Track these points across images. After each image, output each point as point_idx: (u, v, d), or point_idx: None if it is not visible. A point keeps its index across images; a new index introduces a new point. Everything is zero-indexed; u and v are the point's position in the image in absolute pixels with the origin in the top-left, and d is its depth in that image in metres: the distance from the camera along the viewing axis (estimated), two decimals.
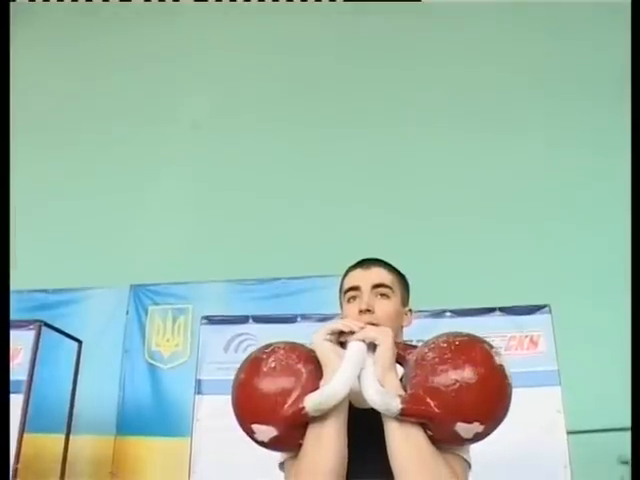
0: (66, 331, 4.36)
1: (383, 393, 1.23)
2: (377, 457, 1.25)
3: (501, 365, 1.24)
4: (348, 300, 1.46)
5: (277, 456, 1.39)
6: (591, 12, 5.28)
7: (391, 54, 5.86)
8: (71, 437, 4.31)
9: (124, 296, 5.04)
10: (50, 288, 5.15)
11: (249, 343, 3.68)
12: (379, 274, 1.47)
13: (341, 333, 1.33)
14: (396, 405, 1.21)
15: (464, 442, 1.24)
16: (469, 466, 1.32)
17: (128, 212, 5.77)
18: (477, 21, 5.72)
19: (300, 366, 1.29)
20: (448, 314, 3.61)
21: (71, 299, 5.08)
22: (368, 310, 1.40)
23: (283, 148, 5.73)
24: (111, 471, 4.57)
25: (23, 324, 3.89)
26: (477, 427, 1.20)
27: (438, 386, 1.20)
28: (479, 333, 1.32)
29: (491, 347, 1.27)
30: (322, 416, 1.25)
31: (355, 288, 1.45)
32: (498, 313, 3.58)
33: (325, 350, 1.31)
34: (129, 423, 4.70)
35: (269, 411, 1.25)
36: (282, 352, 1.31)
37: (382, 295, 1.44)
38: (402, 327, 1.48)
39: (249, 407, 1.29)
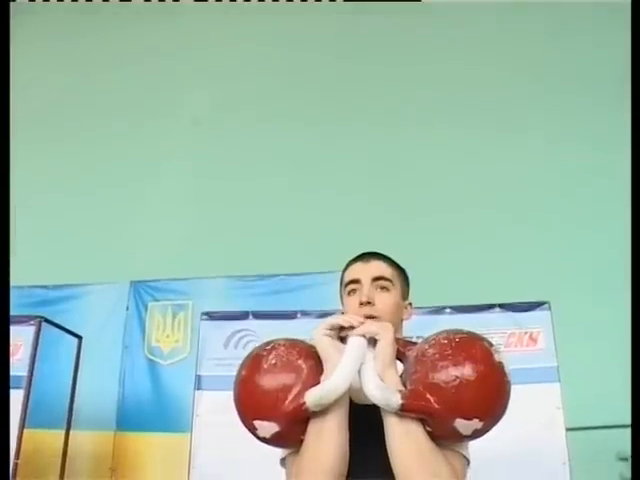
0: (66, 327, 4.36)
1: (383, 388, 1.24)
2: (377, 453, 1.26)
3: (500, 362, 1.24)
4: (348, 293, 1.47)
5: (277, 452, 1.39)
6: (591, 11, 5.27)
7: (391, 53, 5.86)
8: (71, 433, 4.31)
9: (124, 292, 5.04)
10: (50, 284, 5.15)
11: (249, 339, 3.68)
12: (379, 267, 1.48)
13: (341, 328, 1.34)
14: (396, 400, 1.22)
15: (463, 438, 1.25)
16: (468, 462, 1.32)
17: (128, 208, 5.78)
18: (477, 21, 5.73)
19: (301, 362, 1.30)
20: (448, 311, 3.61)
21: (71, 295, 5.08)
22: (368, 302, 1.41)
23: (283, 145, 5.73)
24: (111, 467, 4.57)
25: (23, 320, 3.89)
26: (476, 424, 1.21)
27: (438, 382, 1.21)
28: (479, 330, 1.33)
29: (491, 345, 1.28)
30: (323, 411, 1.26)
31: (355, 281, 1.46)
32: (498, 310, 3.58)
33: (325, 345, 1.32)
34: (129, 419, 4.70)
35: (270, 407, 1.26)
36: (283, 348, 1.32)
37: (382, 288, 1.45)
38: (402, 321, 1.49)
39: (251, 403, 1.30)
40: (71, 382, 4.34)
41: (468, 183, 5.25)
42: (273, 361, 1.29)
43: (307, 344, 1.36)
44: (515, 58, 5.56)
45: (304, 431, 1.27)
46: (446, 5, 5.72)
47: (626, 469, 4.08)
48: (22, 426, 3.65)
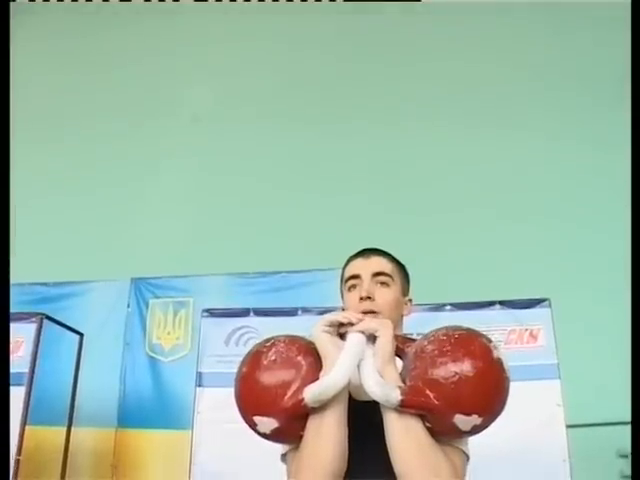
0: (67, 324, 4.37)
1: (383, 384, 1.24)
2: (377, 449, 1.26)
3: (499, 359, 1.25)
4: (349, 289, 1.48)
5: (278, 448, 1.40)
6: (591, 11, 5.27)
7: (391, 53, 5.86)
8: (72, 429, 4.33)
9: (125, 289, 5.06)
10: (51, 281, 5.16)
11: (250, 336, 3.69)
12: (379, 263, 1.48)
13: (341, 325, 1.34)
14: (396, 396, 1.22)
15: (462, 434, 1.25)
16: (468, 458, 1.33)
17: (129, 205, 5.78)
18: (477, 21, 5.72)
19: (300, 358, 1.30)
20: (448, 307, 3.62)
21: (72, 292, 5.10)
22: (368, 297, 1.41)
23: (283, 143, 5.73)
24: (112, 463, 4.59)
25: (25, 317, 3.90)
26: (475, 419, 1.21)
27: (437, 378, 1.21)
28: (479, 327, 1.33)
29: (490, 341, 1.28)
30: (322, 407, 1.26)
31: (355, 276, 1.47)
32: (498, 307, 3.59)
33: (324, 342, 1.32)
34: (130, 416, 4.71)
35: (270, 403, 1.27)
36: (282, 345, 1.33)
37: (382, 283, 1.45)
38: (402, 317, 1.49)
39: (251, 400, 1.30)
40: (72, 379, 4.36)
41: (468, 181, 5.25)
42: (273, 357, 1.30)
43: (306, 341, 1.36)
44: (515, 58, 5.56)
45: (303, 427, 1.28)
46: (446, 5, 5.71)
47: (626, 466, 4.09)
48: (24, 423, 3.67)
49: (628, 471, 4.04)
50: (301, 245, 5.16)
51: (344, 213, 5.29)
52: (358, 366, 1.28)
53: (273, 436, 1.30)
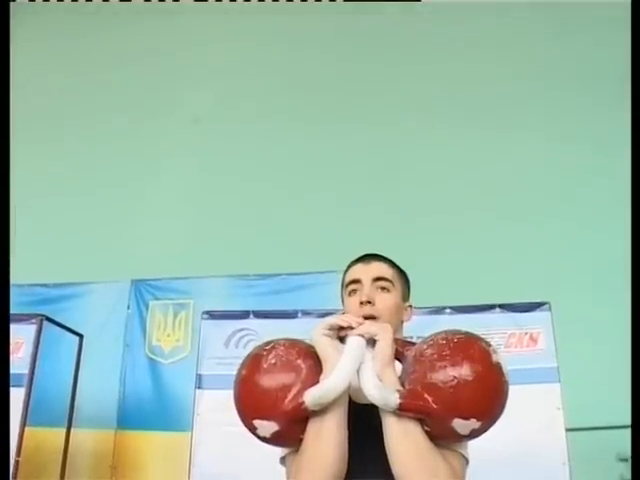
0: (67, 325, 4.37)
1: (381, 388, 1.24)
2: (376, 452, 1.26)
3: (498, 363, 1.25)
4: (349, 293, 1.48)
5: (277, 451, 1.40)
6: (591, 11, 5.27)
7: (391, 53, 5.86)
8: (72, 431, 4.32)
9: (125, 291, 5.06)
10: (51, 282, 5.16)
11: (250, 338, 3.68)
12: (380, 268, 1.49)
13: (341, 328, 1.34)
14: (394, 400, 1.22)
15: (461, 438, 1.26)
16: (467, 462, 1.33)
17: (129, 207, 5.78)
18: (477, 21, 5.72)
19: (300, 362, 1.30)
20: (448, 311, 3.61)
21: (72, 293, 5.09)
22: (369, 302, 1.42)
23: (283, 143, 5.74)
24: (112, 465, 4.58)
25: (24, 318, 3.90)
26: (474, 423, 1.21)
27: (436, 382, 1.22)
28: (479, 330, 1.33)
29: (489, 345, 1.28)
30: (322, 410, 1.26)
31: (356, 281, 1.47)
32: (498, 310, 3.58)
33: (324, 345, 1.33)
34: (130, 417, 4.71)
35: (270, 407, 1.27)
36: (282, 348, 1.33)
37: (382, 289, 1.46)
38: (402, 322, 1.49)
39: (250, 403, 1.31)
40: (72, 380, 4.35)
41: (468, 183, 5.25)
42: (273, 361, 1.30)
43: (306, 344, 1.36)
44: (515, 58, 5.56)
45: (303, 430, 1.28)
46: (446, 5, 5.72)
47: (626, 470, 4.09)
48: (23, 424, 3.66)
49: (628, 475, 4.03)
50: (301, 247, 5.16)
51: (344, 215, 5.29)
52: (357, 370, 1.28)
53: (273, 439, 1.30)
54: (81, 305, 5.00)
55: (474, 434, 1.23)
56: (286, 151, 5.73)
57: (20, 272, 3.11)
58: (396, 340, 1.34)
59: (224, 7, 6.12)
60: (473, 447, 1.34)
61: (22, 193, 4.22)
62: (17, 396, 3.46)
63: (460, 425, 1.21)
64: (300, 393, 1.25)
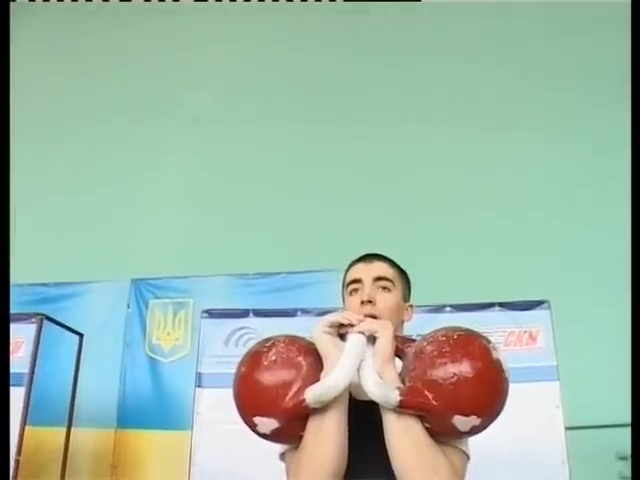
0: (67, 324, 4.37)
1: (382, 385, 1.25)
2: (376, 449, 1.26)
3: (498, 360, 1.25)
4: (350, 293, 1.48)
5: (277, 448, 1.40)
6: (591, 11, 5.27)
7: (391, 53, 5.86)
8: (72, 430, 4.32)
9: (125, 290, 5.06)
10: (51, 282, 5.16)
11: (249, 337, 3.69)
12: (381, 267, 1.49)
13: (341, 326, 1.35)
14: (394, 397, 1.22)
15: (461, 435, 1.26)
16: (468, 458, 1.33)
17: (129, 206, 5.79)
18: (477, 21, 5.72)
19: (300, 359, 1.31)
20: (448, 309, 3.62)
21: (72, 293, 5.09)
22: (369, 302, 1.42)
23: (283, 143, 5.74)
24: (112, 464, 4.59)
25: (25, 317, 3.90)
26: (474, 420, 1.22)
27: (436, 379, 1.22)
28: (478, 328, 1.33)
29: (489, 342, 1.28)
30: (323, 408, 1.26)
31: (357, 281, 1.47)
32: (497, 308, 3.59)
33: (325, 343, 1.33)
34: (130, 416, 4.71)
35: (270, 403, 1.27)
36: (282, 345, 1.33)
37: (383, 288, 1.46)
38: (403, 322, 1.49)
39: (250, 400, 1.31)
40: (72, 380, 4.35)
41: (468, 182, 5.25)
42: (273, 358, 1.30)
43: (307, 341, 1.37)
44: (515, 58, 5.56)
45: (304, 427, 1.28)
46: (446, 5, 5.71)
47: (625, 468, 4.09)
48: (23, 423, 3.66)
49: (627, 473, 4.04)
50: (301, 246, 5.16)
51: (344, 214, 5.29)
52: (358, 367, 1.28)
53: (273, 436, 1.30)
54: (81, 304, 5.00)
55: (474, 431, 1.23)
56: (286, 150, 5.73)
57: (20, 271, 3.12)
58: (397, 337, 1.35)
59: (224, 7, 6.12)
60: (472, 445, 1.34)
61: (22, 193, 4.23)
62: (17, 395, 3.46)
63: (460, 422, 1.21)
64: (301, 390, 1.26)
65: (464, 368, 1.21)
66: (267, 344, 1.35)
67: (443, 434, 1.25)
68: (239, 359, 1.38)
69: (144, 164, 5.97)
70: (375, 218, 5.18)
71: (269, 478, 1.56)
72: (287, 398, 1.26)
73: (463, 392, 1.20)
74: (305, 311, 3.73)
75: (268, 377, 1.28)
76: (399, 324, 1.46)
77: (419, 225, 5.11)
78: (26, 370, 3.79)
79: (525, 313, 3.57)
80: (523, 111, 5.40)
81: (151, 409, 4.71)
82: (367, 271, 1.47)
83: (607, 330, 4.22)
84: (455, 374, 1.21)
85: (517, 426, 2.89)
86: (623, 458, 4.13)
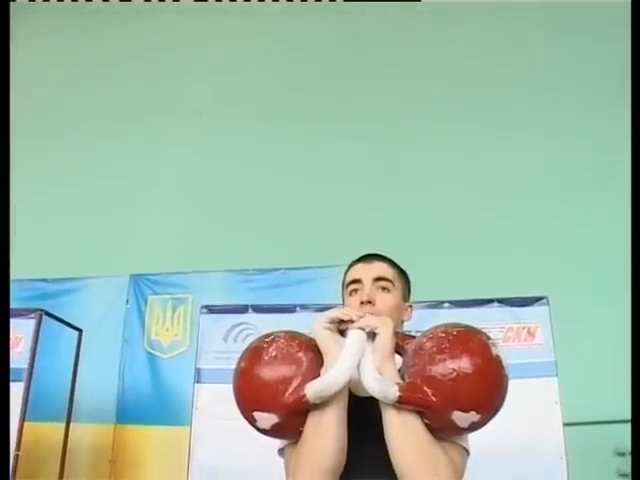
0: (66, 320, 4.37)
1: (381, 381, 1.25)
2: (376, 444, 1.27)
3: (498, 356, 1.25)
4: (350, 293, 1.49)
5: (276, 444, 1.41)
6: (591, 10, 5.26)
7: (391, 53, 5.84)
8: (71, 425, 4.33)
9: (124, 285, 5.05)
10: (50, 277, 5.16)
11: (248, 332, 3.69)
12: (381, 268, 1.49)
13: (341, 322, 1.35)
14: (394, 393, 1.23)
15: (461, 431, 1.26)
16: (468, 454, 1.34)
17: (129, 201, 5.78)
18: (477, 20, 5.71)
19: (301, 354, 1.31)
20: (447, 305, 3.62)
21: (71, 288, 5.09)
22: (369, 302, 1.42)
23: (282, 140, 5.73)
24: (111, 459, 4.59)
25: (24, 313, 3.90)
26: (473, 416, 1.22)
27: (435, 375, 1.22)
28: (477, 324, 1.34)
29: (488, 338, 1.29)
30: (322, 404, 1.27)
31: (357, 281, 1.48)
32: (496, 304, 3.59)
33: (325, 339, 1.33)
34: (129, 412, 4.71)
35: (270, 399, 1.27)
36: (283, 341, 1.33)
37: (383, 289, 1.46)
38: (402, 322, 1.50)
39: (250, 395, 1.31)
40: (71, 375, 4.35)
41: (468, 179, 5.24)
42: (273, 353, 1.31)
43: (307, 337, 1.37)
44: (515, 57, 5.55)
45: (303, 423, 1.29)
46: (446, 5, 5.70)
47: (623, 464, 4.10)
48: (23, 419, 3.66)
49: (625, 469, 4.06)
50: (300, 242, 5.16)
51: (343, 210, 5.29)
52: (358, 363, 1.29)
53: (272, 431, 1.31)
54: (80, 300, 5.00)
55: (474, 427, 1.24)
56: (285, 147, 5.72)
57: (19, 267, 3.12)
58: (396, 333, 1.35)
59: (224, 7, 6.10)
60: (470, 440, 1.35)
61: (22, 188, 4.22)
62: (16, 391, 3.46)
63: (460, 418, 1.22)
64: (301, 386, 1.26)
65: (463, 364, 1.21)
66: (267, 339, 1.35)
67: (442, 430, 1.26)
68: (238, 355, 1.38)
69: (143, 161, 5.96)
70: (374, 214, 5.18)
71: (268, 473, 1.57)
72: (287, 393, 1.26)
73: (462, 388, 1.21)
74: (304, 307, 3.74)
75: (268, 372, 1.29)
76: (399, 324, 1.47)
77: (418, 221, 5.11)
78: (25, 365, 3.79)
79: (524, 309, 3.57)
80: (523, 111, 5.39)
81: (150, 405, 4.71)
82: (367, 271, 1.48)
83: (605, 326, 4.22)
84: (454, 370, 1.21)
85: (515, 421, 2.89)
86: (621, 454, 4.14)
